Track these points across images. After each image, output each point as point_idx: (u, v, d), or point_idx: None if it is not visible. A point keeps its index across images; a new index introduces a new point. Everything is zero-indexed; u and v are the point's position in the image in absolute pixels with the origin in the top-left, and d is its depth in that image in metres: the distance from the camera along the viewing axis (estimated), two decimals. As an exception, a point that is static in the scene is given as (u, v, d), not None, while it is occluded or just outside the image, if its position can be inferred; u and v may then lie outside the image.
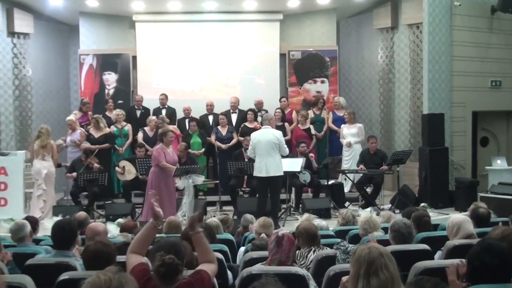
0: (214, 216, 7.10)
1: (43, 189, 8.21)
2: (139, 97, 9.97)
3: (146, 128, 9.37)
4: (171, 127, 8.96)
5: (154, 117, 9.35)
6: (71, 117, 9.23)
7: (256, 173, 7.19)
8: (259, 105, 9.93)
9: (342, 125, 9.59)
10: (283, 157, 7.28)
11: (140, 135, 9.32)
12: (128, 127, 9.41)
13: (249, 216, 5.46)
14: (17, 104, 9.99)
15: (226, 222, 5.35)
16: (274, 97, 10.32)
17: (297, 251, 3.85)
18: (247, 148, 8.54)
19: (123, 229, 5.08)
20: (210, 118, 9.78)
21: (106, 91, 10.48)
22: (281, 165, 7.21)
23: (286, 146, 7.30)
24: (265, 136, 7.19)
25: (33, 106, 10.25)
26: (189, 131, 9.42)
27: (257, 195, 7.43)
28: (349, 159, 9.35)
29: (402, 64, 10.25)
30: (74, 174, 8.34)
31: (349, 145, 9.44)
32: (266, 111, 9.90)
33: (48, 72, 10.66)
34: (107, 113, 9.73)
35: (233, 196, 8.46)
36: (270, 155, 7.15)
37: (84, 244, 3.93)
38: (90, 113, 9.60)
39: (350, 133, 9.49)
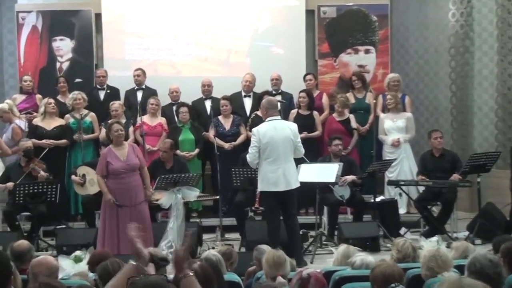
0: (213, 248, 7.19)
1: None
2: (101, 72, 10.07)
3: (110, 121, 9.43)
4: (160, 118, 9.14)
5: (117, 103, 9.43)
6: (2, 105, 9.25)
7: (269, 187, 7.21)
8: (277, 83, 9.99)
9: (382, 115, 9.64)
10: (298, 160, 7.38)
11: (103, 132, 9.37)
12: (92, 117, 9.51)
13: (264, 247, 5.50)
14: None
15: (229, 257, 5.38)
16: (298, 74, 10.35)
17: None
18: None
19: (93, 261, 5.12)
20: (208, 104, 9.85)
21: (58, 65, 10.56)
22: (296, 172, 7.31)
23: (301, 144, 7.39)
24: (281, 132, 7.22)
25: None
26: (178, 123, 9.49)
27: (267, 219, 7.50)
28: (396, 164, 9.37)
29: (485, 26, 10.22)
30: (9, 185, 8.40)
31: (397, 144, 9.47)
32: (290, 96, 9.97)
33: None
34: (59, 97, 9.83)
35: (239, 218, 8.51)
36: (288, 159, 7.24)
37: (25, 288, 3.95)
38: (38, 95, 9.68)
39: (395, 127, 9.53)
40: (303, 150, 7.41)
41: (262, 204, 7.84)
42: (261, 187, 7.30)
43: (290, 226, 7.33)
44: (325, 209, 8.63)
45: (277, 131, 7.20)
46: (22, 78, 9.86)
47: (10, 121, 9.20)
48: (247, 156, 7.40)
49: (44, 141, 9.03)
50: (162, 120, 9.55)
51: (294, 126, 7.40)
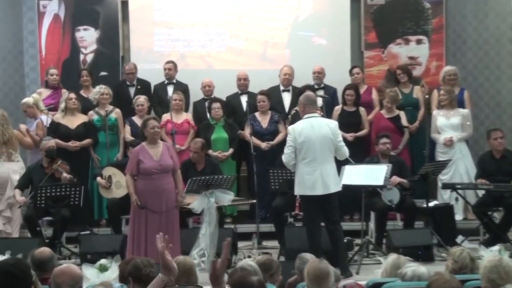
0: (249, 257, 7.17)
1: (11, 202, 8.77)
2: (130, 66, 10.11)
3: (134, 117, 9.53)
4: (185, 115, 9.19)
5: (142, 98, 9.49)
6: (28, 99, 9.43)
7: (305, 191, 7.19)
8: (320, 77, 9.94)
9: (435, 112, 9.55)
10: (342, 161, 7.36)
11: (127, 129, 9.50)
12: (117, 114, 9.55)
13: (308, 256, 5.46)
14: None
15: (269, 268, 5.26)
16: (341, 67, 10.34)
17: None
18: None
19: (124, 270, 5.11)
20: (243, 99, 9.86)
21: (82, 57, 10.65)
22: (337, 175, 7.28)
23: (344, 144, 7.33)
24: (318, 130, 7.18)
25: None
26: (210, 121, 9.51)
27: (306, 225, 7.48)
28: (449, 166, 9.25)
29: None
30: (20, 200, 8.46)
31: (449, 143, 9.36)
32: (334, 90, 9.94)
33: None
34: (82, 91, 9.92)
35: (278, 224, 8.48)
36: (326, 160, 7.18)
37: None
38: (64, 91, 9.75)
39: (449, 125, 9.44)
40: (346, 151, 7.33)
41: (302, 208, 7.77)
42: (297, 190, 7.29)
43: (333, 233, 7.29)
44: (372, 215, 8.57)
45: (314, 130, 7.16)
46: (48, 71, 9.95)
47: (35, 116, 9.34)
48: (283, 156, 7.39)
49: (70, 143, 9.10)
50: (189, 117, 9.59)
51: (334, 124, 7.34)
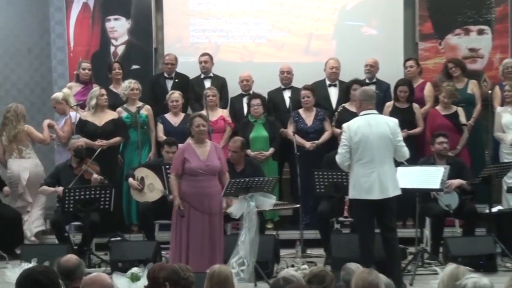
0: (292, 266, 7.14)
1: (27, 201, 9.00)
2: (171, 57, 10.12)
3: (167, 115, 9.59)
4: (221, 111, 9.19)
5: (176, 93, 9.52)
6: (57, 94, 9.53)
7: (361, 194, 7.14)
8: (372, 70, 9.90)
9: (499, 109, 9.44)
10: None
11: (160, 127, 9.54)
12: (147, 111, 9.61)
13: (354, 267, 5.41)
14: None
15: (322, 280, 5.07)
16: (394, 59, 10.31)
17: None
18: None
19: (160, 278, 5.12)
20: (286, 95, 9.85)
21: (112, 49, 10.74)
22: (397, 177, 7.23)
23: (404, 144, 7.27)
24: (376, 128, 7.13)
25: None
26: (249, 118, 9.53)
27: (358, 232, 7.46)
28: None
29: None
30: (59, 189, 8.60)
31: (516, 143, 9.27)
32: (387, 86, 9.89)
33: (11, 18, 10.99)
34: (111, 86, 9.99)
35: (324, 231, 8.47)
36: (385, 161, 7.12)
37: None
38: (95, 85, 9.79)
39: None
40: (406, 151, 7.24)
41: (353, 214, 7.72)
42: (352, 194, 7.21)
43: (388, 241, 7.22)
44: (428, 221, 8.49)
45: (371, 128, 7.10)
46: (80, 64, 9.99)
47: (64, 112, 9.43)
48: (336, 156, 7.32)
49: (97, 142, 9.15)
50: (224, 113, 9.62)
51: (394, 122, 7.25)
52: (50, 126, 9.47)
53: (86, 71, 9.85)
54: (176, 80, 10.04)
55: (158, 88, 10.02)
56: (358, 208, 7.29)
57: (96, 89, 9.45)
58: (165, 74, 10.12)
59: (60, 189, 8.54)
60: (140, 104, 9.56)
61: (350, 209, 8.12)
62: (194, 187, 7.48)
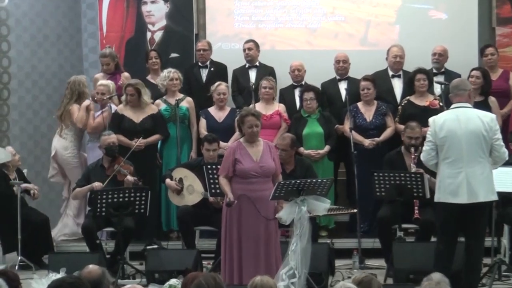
0: (349, 278, 7.07)
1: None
2: (202, 44, 10.14)
3: (211, 109, 9.59)
4: (277, 105, 9.22)
5: (224, 85, 9.55)
6: (108, 82, 9.52)
7: (446, 197, 7.10)
8: (441, 60, 9.82)
9: None
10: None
11: (202, 123, 9.54)
12: (189, 103, 9.63)
13: (438, 277, 5.34)
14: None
15: (368, 287, 5.21)
16: (468, 47, 10.27)
17: None
18: (414, 145, 8.40)
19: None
20: (342, 86, 9.82)
21: (149, 35, 10.81)
22: (492, 180, 7.12)
23: (503, 143, 7.16)
24: (466, 123, 7.07)
25: (12, 64, 10.73)
26: (302, 113, 9.50)
27: (437, 238, 7.41)
28: None
29: None
30: (96, 184, 8.55)
31: None
32: (458, 76, 9.70)
33: (38, 1, 11.07)
34: (149, 76, 10.03)
35: (385, 239, 8.46)
36: (476, 160, 7.04)
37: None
38: (125, 74, 9.86)
39: None
40: (505, 152, 7.12)
41: (436, 217, 7.59)
42: (437, 196, 7.18)
43: (473, 251, 7.16)
44: (506, 228, 8.41)
45: (460, 123, 7.06)
46: (106, 51, 10.10)
47: (106, 105, 9.47)
48: (421, 154, 7.34)
49: (134, 142, 9.15)
50: (280, 108, 9.60)
51: (490, 118, 7.16)
52: (89, 110, 9.58)
53: (115, 59, 9.96)
54: (212, 69, 10.07)
55: (191, 77, 10.04)
56: (442, 212, 7.23)
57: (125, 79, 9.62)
58: (199, 63, 10.14)
59: (96, 184, 8.56)
60: (180, 96, 9.59)
61: (420, 214, 8.15)
62: (246, 191, 7.43)
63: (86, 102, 9.59)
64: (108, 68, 9.90)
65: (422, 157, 7.31)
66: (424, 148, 7.26)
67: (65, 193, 9.85)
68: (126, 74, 9.92)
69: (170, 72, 9.54)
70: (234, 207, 7.33)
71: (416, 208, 8.25)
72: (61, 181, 9.89)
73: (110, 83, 9.52)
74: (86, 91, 9.67)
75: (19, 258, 8.81)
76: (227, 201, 7.32)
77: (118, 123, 9.32)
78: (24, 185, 9.08)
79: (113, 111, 9.40)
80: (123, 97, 9.40)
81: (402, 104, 9.41)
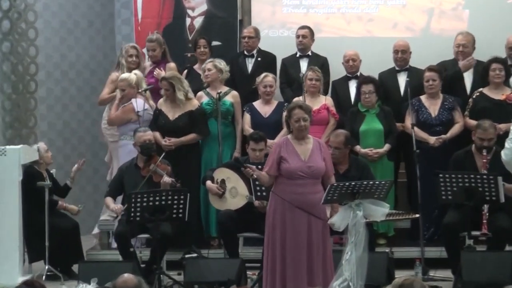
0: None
1: None
2: (249, 29, 10.16)
3: (256, 103, 9.59)
4: (324, 99, 9.17)
5: (270, 76, 9.51)
6: (130, 75, 9.48)
7: None
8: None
9: None
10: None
11: (246, 118, 9.55)
12: (234, 98, 9.63)
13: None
14: (6, 50, 10.62)
15: None
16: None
17: None
18: (486, 147, 8.29)
19: None
20: (402, 78, 9.79)
21: (188, 21, 10.85)
22: None
23: None
24: None
25: (40, 53, 10.82)
26: (359, 107, 9.49)
27: None
28: None
29: None
30: (117, 208, 8.61)
31: None
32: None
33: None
34: (196, 67, 10.07)
35: (452, 248, 8.41)
36: None
37: None
38: (171, 64, 9.89)
39: None
40: None
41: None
42: None
43: None
44: None
45: None
46: (148, 39, 10.13)
47: (132, 97, 9.46)
48: (502, 152, 7.29)
49: (164, 141, 9.21)
50: (328, 101, 9.56)
51: None
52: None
53: (162, 46, 9.97)
54: (259, 59, 10.07)
55: (236, 68, 10.05)
56: None
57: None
58: (245, 52, 10.15)
59: (117, 206, 8.61)
60: (225, 88, 9.60)
61: (490, 222, 8.08)
62: (293, 193, 7.36)
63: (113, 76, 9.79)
64: (154, 54, 9.95)
65: (503, 155, 7.25)
66: (506, 145, 7.20)
67: (108, 177, 9.97)
68: (172, 64, 9.93)
69: (214, 63, 9.55)
70: (277, 213, 7.28)
71: (484, 221, 8.12)
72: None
73: (129, 75, 9.49)
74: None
75: (47, 267, 8.83)
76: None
77: (155, 119, 9.38)
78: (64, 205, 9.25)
79: (140, 106, 9.39)
80: (163, 91, 9.44)
81: (474, 96, 9.35)
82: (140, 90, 9.47)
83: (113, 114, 9.51)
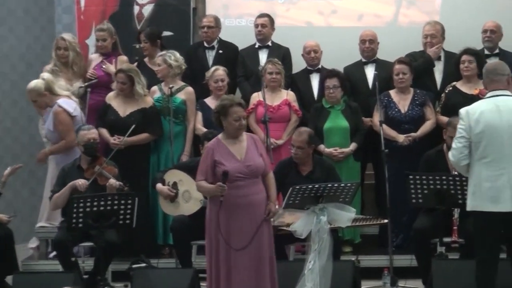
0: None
1: None
2: (207, 20, 10.18)
3: (207, 99, 9.63)
4: (285, 94, 9.17)
5: (221, 69, 9.51)
6: (36, 84, 9.32)
7: (483, 205, 7.07)
8: (493, 38, 9.93)
9: None
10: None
11: (198, 116, 9.58)
12: (187, 95, 9.64)
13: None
14: None
15: None
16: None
17: None
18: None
19: None
20: (369, 71, 9.87)
21: (136, 9, 10.87)
22: None
23: None
24: (508, 115, 7.04)
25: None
26: (323, 103, 9.53)
27: (477, 255, 7.35)
28: None
29: None
30: (80, 182, 8.47)
31: None
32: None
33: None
34: (146, 59, 10.07)
35: (422, 256, 8.48)
36: None
37: None
38: (122, 57, 9.94)
39: None
40: None
41: (475, 230, 7.53)
42: (471, 204, 7.13)
43: None
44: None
45: (501, 115, 7.02)
46: (98, 28, 10.13)
47: (49, 105, 9.38)
48: (450, 153, 7.27)
49: (112, 139, 9.21)
50: (290, 96, 9.62)
51: None
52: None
53: (112, 36, 9.98)
54: (220, 51, 10.10)
55: (195, 61, 10.04)
56: (479, 223, 7.19)
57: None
58: (205, 44, 10.15)
59: (81, 182, 8.47)
60: (180, 84, 9.62)
61: (461, 228, 8.11)
62: (234, 197, 7.28)
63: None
64: (105, 45, 9.96)
65: (451, 156, 7.22)
66: (453, 145, 7.16)
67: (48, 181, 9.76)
68: (123, 57, 9.99)
69: (168, 56, 9.52)
70: (221, 224, 7.20)
71: (455, 227, 8.18)
72: None
73: (35, 84, 9.36)
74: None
75: (-24, 280, 8.78)
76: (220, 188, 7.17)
77: (103, 115, 9.39)
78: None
79: (69, 105, 9.34)
80: (114, 84, 9.44)
81: (446, 91, 9.47)
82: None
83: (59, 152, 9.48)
